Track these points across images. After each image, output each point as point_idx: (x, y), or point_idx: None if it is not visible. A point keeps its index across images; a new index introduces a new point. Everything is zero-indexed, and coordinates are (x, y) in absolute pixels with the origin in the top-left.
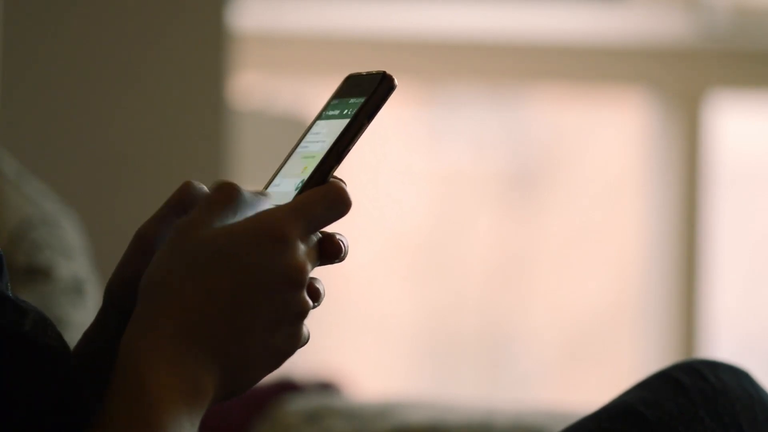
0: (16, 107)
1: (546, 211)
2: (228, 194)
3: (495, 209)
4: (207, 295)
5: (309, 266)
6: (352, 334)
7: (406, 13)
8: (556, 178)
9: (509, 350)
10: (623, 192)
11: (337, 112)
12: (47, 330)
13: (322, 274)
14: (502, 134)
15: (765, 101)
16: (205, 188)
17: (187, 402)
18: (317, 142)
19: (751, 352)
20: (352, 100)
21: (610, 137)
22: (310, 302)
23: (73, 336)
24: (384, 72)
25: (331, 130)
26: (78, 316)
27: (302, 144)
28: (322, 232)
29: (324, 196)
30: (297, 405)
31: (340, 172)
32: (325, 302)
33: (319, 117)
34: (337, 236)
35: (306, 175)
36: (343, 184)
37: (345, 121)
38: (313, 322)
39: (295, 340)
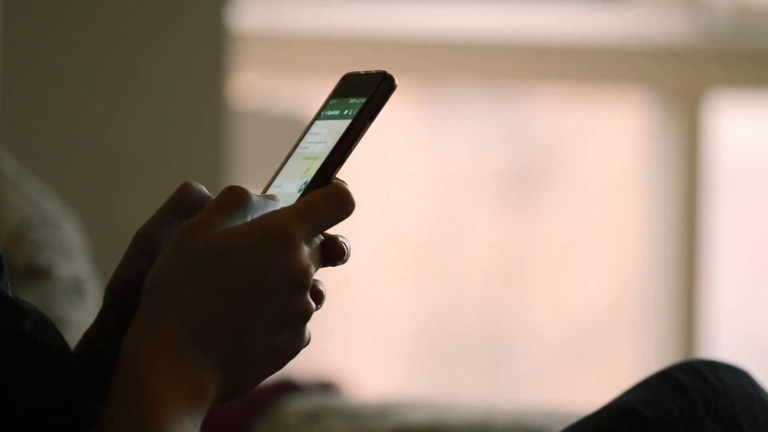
0: (16, 107)
1: (546, 211)
2: (238, 197)
3: (495, 209)
4: (210, 296)
5: (313, 268)
6: (352, 334)
7: (406, 13)
8: (556, 178)
9: (509, 350)
10: (623, 192)
11: (336, 112)
12: (47, 330)
13: (322, 274)
14: (502, 134)
15: (765, 101)
16: (205, 189)
17: (189, 402)
18: (318, 143)
19: (751, 352)
20: (352, 100)
21: (610, 137)
22: (313, 304)
23: (73, 336)
24: (384, 72)
25: (332, 130)
26: (78, 316)
27: (302, 145)
28: (325, 235)
29: (328, 197)
30: (297, 405)
31: (341, 172)
32: (325, 303)
33: (318, 117)
34: (340, 239)
35: (309, 177)
36: (346, 186)
37: (346, 122)
38: (313, 322)
39: (298, 341)
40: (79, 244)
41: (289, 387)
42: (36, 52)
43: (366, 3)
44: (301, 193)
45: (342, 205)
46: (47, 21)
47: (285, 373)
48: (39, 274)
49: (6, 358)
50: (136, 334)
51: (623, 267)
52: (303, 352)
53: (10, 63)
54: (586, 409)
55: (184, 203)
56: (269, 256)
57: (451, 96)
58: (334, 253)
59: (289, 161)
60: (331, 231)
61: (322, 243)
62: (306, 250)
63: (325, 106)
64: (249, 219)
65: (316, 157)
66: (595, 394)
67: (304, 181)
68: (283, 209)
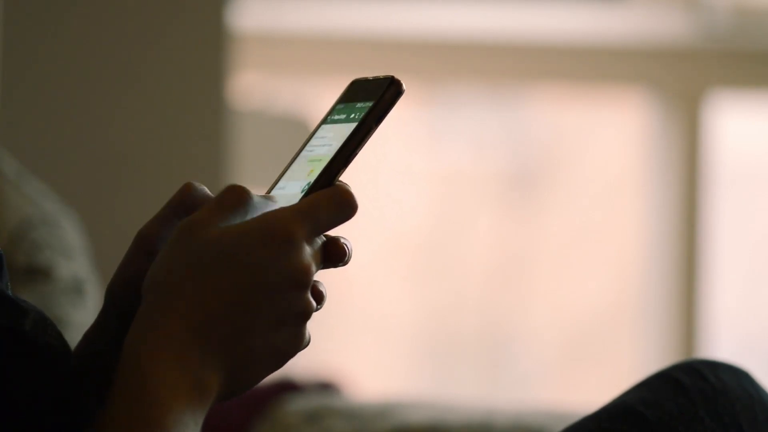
0: (16, 107)
1: (546, 211)
2: (239, 196)
3: (495, 209)
4: (210, 294)
5: (314, 268)
6: (352, 334)
7: (406, 13)
8: (556, 178)
9: (509, 350)
10: (623, 192)
11: (343, 116)
12: (47, 329)
13: (322, 274)
14: (502, 134)
15: (765, 101)
16: (207, 189)
17: (190, 401)
18: (323, 145)
19: (751, 352)
20: (359, 105)
21: (610, 137)
22: (314, 304)
23: (73, 336)
24: (392, 77)
25: (338, 133)
26: (78, 316)
27: (307, 147)
28: (326, 236)
29: (331, 198)
30: (297, 405)
31: (345, 175)
32: (325, 303)
33: (324, 121)
34: (342, 240)
35: (312, 178)
36: (349, 188)
37: (352, 125)
38: (313, 322)
39: (298, 341)
40: (79, 244)
41: (289, 387)
42: (36, 52)
43: (366, 3)
44: (303, 193)
45: (344, 206)
46: (47, 21)
47: (285, 373)
48: (39, 274)
49: (6, 357)
50: (136, 333)
51: (623, 267)
52: (303, 351)
53: (10, 63)
54: (586, 409)
55: (185, 203)
56: (270, 255)
57: (451, 96)
58: (335, 254)
59: (294, 164)
60: (332, 233)
61: (324, 244)
62: (307, 249)
63: (332, 110)
64: (249, 217)
65: (320, 160)
66: (595, 394)
67: (308, 182)
68: (285, 208)
